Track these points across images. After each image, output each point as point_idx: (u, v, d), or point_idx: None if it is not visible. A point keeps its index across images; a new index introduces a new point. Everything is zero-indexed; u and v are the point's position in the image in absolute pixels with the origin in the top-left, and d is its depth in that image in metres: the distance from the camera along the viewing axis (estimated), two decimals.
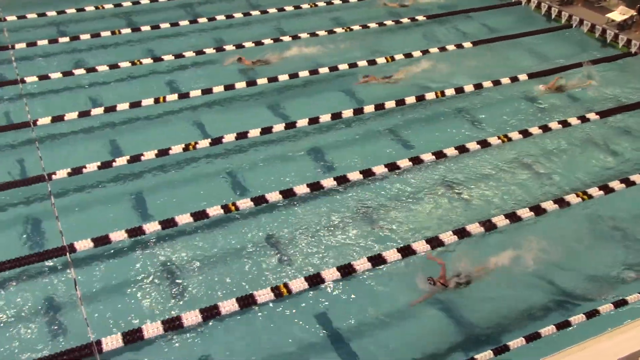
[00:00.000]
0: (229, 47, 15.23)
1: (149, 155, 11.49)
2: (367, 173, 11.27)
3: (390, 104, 13.26)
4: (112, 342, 8.02)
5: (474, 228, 10.02)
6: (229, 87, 13.70)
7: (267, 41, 15.54)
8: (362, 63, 14.79)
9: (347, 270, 9.21)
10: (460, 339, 8.61)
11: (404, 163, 11.49)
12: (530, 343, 8.11)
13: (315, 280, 9.04)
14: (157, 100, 13.21)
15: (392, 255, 9.46)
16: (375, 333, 8.62)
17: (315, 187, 10.90)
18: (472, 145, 11.99)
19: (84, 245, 9.47)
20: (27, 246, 9.89)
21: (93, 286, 9.19)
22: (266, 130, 12.30)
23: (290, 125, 12.58)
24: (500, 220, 10.23)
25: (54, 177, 10.77)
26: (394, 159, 11.57)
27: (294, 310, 8.89)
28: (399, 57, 15.13)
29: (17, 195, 10.82)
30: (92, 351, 7.79)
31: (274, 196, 10.59)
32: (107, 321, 8.62)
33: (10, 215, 10.54)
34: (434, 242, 9.75)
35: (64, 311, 8.83)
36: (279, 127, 12.44)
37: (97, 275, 9.43)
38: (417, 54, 15.37)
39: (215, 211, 10.25)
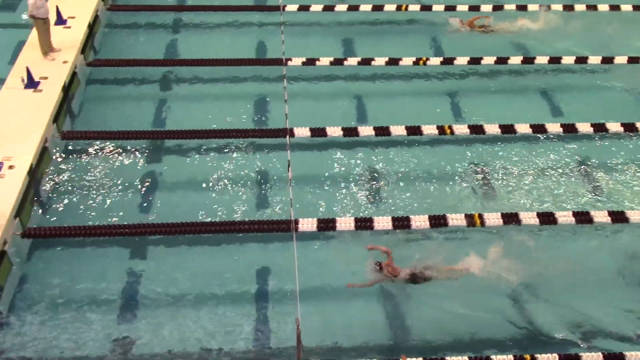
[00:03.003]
0: None
1: (380, 61, 11.77)
2: (598, 127, 10.52)
3: None
4: (308, 224, 8.66)
5: None
6: (474, 7, 13.34)
7: None
8: (533, 7, 13.46)
9: (547, 219, 8.88)
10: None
11: None
12: None
13: (511, 219, 8.85)
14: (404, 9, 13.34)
15: (600, 216, 8.92)
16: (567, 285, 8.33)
17: (537, 129, 10.49)
18: None
19: (302, 132, 10.18)
20: (253, 120, 10.78)
21: (301, 171, 9.77)
22: (501, 60, 11.93)
23: (529, 60, 12.02)
24: None
25: (289, 63, 11.46)
26: (632, 120, 10.66)
27: (480, 242, 8.80)
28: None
29: (254, 73, 11.72)
30: (289, 227, 8.46)
31: (491, 128, 10.39)
32: (305, 206, 9.22)
33: (244, 90, 11.47)
34: None
35: (272, 186, 9.62)
36: (515, 60, 11.98)
37: (306, 162, 10.03)
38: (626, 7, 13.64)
39: (429, 129, 10.33)
